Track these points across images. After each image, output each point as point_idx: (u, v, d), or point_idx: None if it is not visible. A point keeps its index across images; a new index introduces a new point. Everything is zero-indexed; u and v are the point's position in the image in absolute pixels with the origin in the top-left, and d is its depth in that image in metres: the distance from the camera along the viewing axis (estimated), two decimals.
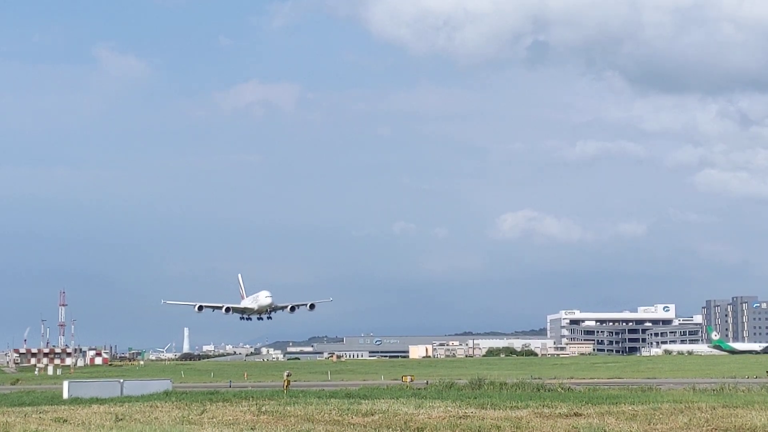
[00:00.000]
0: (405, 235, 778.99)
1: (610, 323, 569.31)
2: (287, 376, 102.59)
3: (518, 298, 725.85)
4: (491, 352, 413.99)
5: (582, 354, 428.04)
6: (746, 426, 54.13)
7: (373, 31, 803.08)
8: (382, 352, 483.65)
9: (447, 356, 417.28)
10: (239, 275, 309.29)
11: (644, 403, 68.69)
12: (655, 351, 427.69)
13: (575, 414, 62.07)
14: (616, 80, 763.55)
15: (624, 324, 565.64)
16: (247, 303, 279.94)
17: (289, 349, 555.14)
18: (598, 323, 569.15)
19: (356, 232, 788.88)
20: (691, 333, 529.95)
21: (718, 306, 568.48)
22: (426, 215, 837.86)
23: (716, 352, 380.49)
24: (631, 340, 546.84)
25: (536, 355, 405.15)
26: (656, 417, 59.49)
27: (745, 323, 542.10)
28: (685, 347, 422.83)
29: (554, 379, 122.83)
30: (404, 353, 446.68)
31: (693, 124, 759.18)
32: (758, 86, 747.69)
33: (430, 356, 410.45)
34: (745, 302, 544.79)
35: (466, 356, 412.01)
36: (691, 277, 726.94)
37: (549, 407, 66.35)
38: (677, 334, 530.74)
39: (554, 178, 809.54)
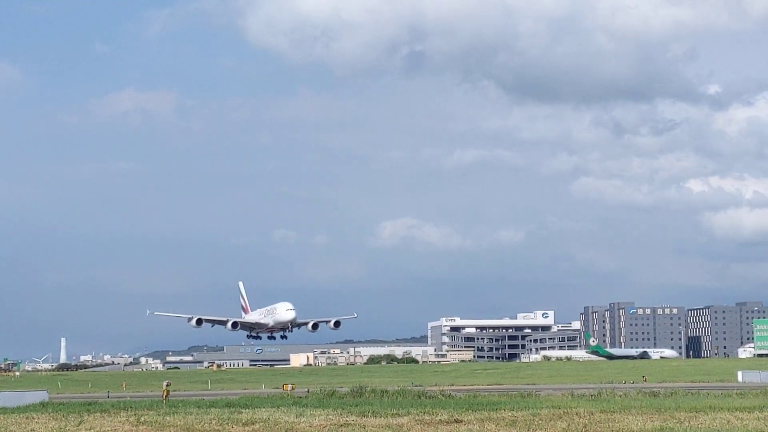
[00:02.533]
0: (285, 243, 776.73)
1: (490, 330, 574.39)
2: (167, 385, 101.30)
3: (399, 305, 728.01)
4: (372, 360, 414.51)
5: (462, 361, 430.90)
6: (623, 430, 54.93)
7: (250, 40, 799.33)
8: (263, 360, 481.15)
9: (328, 364, 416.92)
10: (240, 284, 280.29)
11: (524, 409, 69.24)
12: (535, 357, 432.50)
13: (456, 420, 62.32)
14: (492, 90, 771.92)
15: (504, 331, 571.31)
16: (257, 317, 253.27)
17: (169, 359, 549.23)
18: (478, 330, 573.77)
19: (236, 240, 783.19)
20: (569, 339, 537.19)
21: (595, 312, 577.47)
22: (306, 223, 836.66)
23: (594, 357, 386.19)
24: (510, 346, 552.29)
25: (417, 362, 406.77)
26: (535, 423, 60.00)
27: (622, 329, 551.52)
28: (564, 353, 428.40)
29: (435, 386, 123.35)
30: (285, 361, 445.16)
31: (568, 133, 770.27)
32: (631, 95, 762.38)
33: (311, 364, 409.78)
34: (622, 308, 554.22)
35: (348, 364, 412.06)
36: (569, 284, 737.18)
37: (430, 414, 66.51)
38: (556, 340, 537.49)
39: (433, 186, 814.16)
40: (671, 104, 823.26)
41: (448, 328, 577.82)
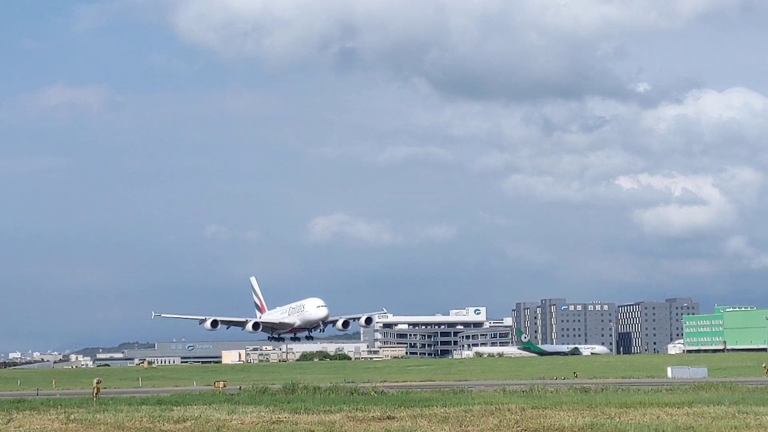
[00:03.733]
0: (217, 239, 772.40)
1: (423, 326, 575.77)
2: (97, 383, 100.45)
3: (331, 302, 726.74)
4: (305, 357, 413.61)
5: (395, 357, 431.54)
6: (554, 426, 55.18)
7: (180, 35, 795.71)
8: (194, 357, 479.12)
9: (260, 361, 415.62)
10: (252, 279, 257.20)
11: (456, 406, 69.39)
12: (467, 353, 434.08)
13: (388, 417, 62.30)
14: (423, 86, 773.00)
15: (436, 327, 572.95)
16: (279, 316, 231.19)
17: (99, 356, 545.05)
18: (411, 326, 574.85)
19: (167, 236, 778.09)
20: (501, 335, 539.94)
21: (527, 308, 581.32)
22: (238, 219, 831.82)
23: (526, 353, 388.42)
24: (443, 342, 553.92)
25: (350, 358, 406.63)
26: (467, 419, 60.14)
27: (554, 325, 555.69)
28: (496, 349, 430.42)
29: (367, 382, 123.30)
30: (217, 358, 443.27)
31: (499, 130, 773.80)
32: (561, 93, 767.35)
33: (243, 361, 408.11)
34: (553, 305, 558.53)
35: (280, 361, 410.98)
36: (501, 280, 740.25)
37: (362, 411, 66.46)
38: (488, 337, 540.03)
39: (365, 183, 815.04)
40: (601, 102, 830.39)
41: (381, 325, 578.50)
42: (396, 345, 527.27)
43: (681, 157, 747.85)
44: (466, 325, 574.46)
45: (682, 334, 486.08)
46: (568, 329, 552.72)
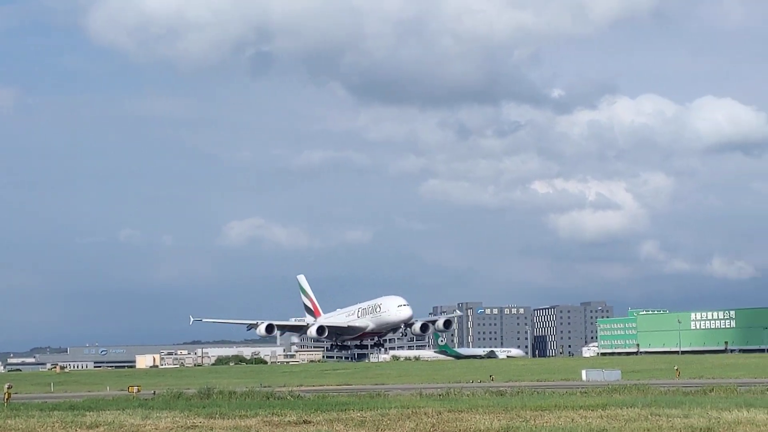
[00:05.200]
0: (131, 242, 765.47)
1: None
2: (8, 388, 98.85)
3: (248, 305, 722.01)
4: (220, 361, 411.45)
5: (312, 361, 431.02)
6: (470, 429, 55.34)
7: (93, 37, 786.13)
8: (108, 362, 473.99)
9: (175, 365, 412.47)
10: (301, 278, 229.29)
11: (372, 409, 69.33)
12: (384, 357, 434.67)
13: (304, 421, 62.12)
14: (339, 90, 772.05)
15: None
16: (346, 319, 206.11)
17: (10, 360, 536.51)
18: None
19: (81, 239, 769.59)
20: (418, 339, 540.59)
21: (444, 312, 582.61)
22: (153, 222, 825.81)
23: (442, 357, 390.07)
24: (359, 346, 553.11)
25: (266, 363, 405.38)
26: (384, 423, 60.11)
27: (471, 328, 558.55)
28: (413, 353, 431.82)
29: (284, 386, 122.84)
30: (131, 363, 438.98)
31: (415, 135, 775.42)
32: (476, 98, 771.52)
33: (157, 365, 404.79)
34: (470, 308, 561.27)
35: (195, 365, 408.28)
36: (418, 284, 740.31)
37: (278, 415, 66.17)
38: (405, 340, 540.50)
39: (282, 187, 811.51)
40: (516, 107, 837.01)
41: None
42: (312, 349, 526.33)
43: (595, 162, 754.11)
44: None
45: (596, 337, 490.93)
46: (484, 332, 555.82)
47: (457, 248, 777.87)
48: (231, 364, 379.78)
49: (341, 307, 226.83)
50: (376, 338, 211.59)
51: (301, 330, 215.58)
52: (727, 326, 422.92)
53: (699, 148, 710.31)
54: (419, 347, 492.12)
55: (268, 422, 62.12)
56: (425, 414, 64.56)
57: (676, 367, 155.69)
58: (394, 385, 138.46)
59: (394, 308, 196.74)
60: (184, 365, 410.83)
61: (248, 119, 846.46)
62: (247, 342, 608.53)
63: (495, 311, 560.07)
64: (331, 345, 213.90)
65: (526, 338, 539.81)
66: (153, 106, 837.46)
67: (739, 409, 62.34)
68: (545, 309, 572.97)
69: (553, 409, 66.48)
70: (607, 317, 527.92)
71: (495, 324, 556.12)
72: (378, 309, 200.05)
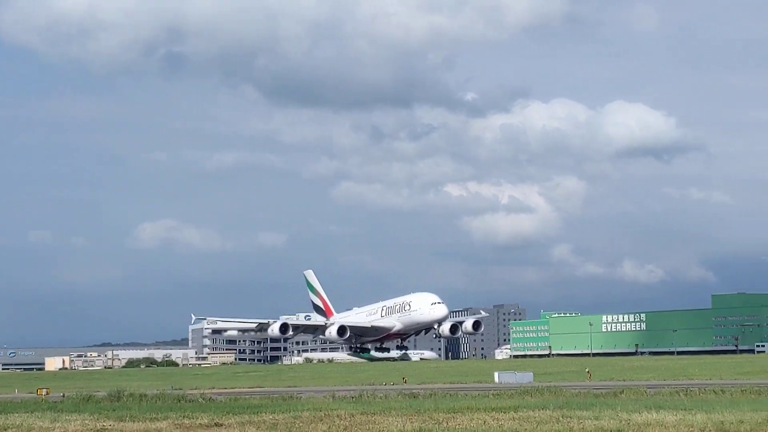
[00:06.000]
0: (41, 244, 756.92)
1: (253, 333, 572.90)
2: None
3: (160, 308, 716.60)
4: (131, 363, 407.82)
5: (224, 363, 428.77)
6: None
7: (3, 37, 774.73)
8: (16, 364, 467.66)
9: (85, 368, 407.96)
10: (309, 273, 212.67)
11: (285, 412, 69.00)
12: (297, 359, 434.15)
13: (216, 424, 61.68)
14: (253, 92, 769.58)
15: None
16: (369, 319, 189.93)
17: None
18: (241, 333, 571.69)
19: None
20: (332, 341, 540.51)
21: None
22: (63, 224, 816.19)
23: (356, 359, 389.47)
24: (273, 349, 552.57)
25: (178, 365, 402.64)
26: (296, 426, 59.86)
27: None
28: (326, 355, 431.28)
29: (195, 389, 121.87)
30: (40, 365, 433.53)
31: (329, 137, 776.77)
32: (390, 101, 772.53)
33: (67, 368, 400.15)
34: None
35: (105, 367, 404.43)
36: (332, 287, 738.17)
37: (189, 418, 65.59)
38: (318, 343, 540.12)
39: (195, 189, 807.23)
40: (429, 110, 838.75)
41: (210, 331, 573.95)
42: (225, 351, 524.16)
43: (508, 166, 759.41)
44: None
45: (509, 340, 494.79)
46: None
47: (371, 251, 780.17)
48: (142, 366, 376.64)
49: (359, 306, 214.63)
50: (398, 340, 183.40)
51: (317, 330, 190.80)
52: (637, 329, 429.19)
53: (611, 152, 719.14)
54: (333, 350, 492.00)
55: (179, 425, 61.58)
56: (338, 417, 64.39)
57: (587, 370, 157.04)
58: (307, 387, 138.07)
59: (426, 306, 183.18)
60: (94, 367, 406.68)
61: (161, 121, 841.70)
62: (158, 344, 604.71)
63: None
64: (350, 347, 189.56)
65: (440, 340, 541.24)
66: (64, 107, 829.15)
67: (648, 411, 62.97)
68: (458, 311, 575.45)
69: (465, 412, 66.64)
70: (520, 320, 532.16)
71: None
72: (407, 307, 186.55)
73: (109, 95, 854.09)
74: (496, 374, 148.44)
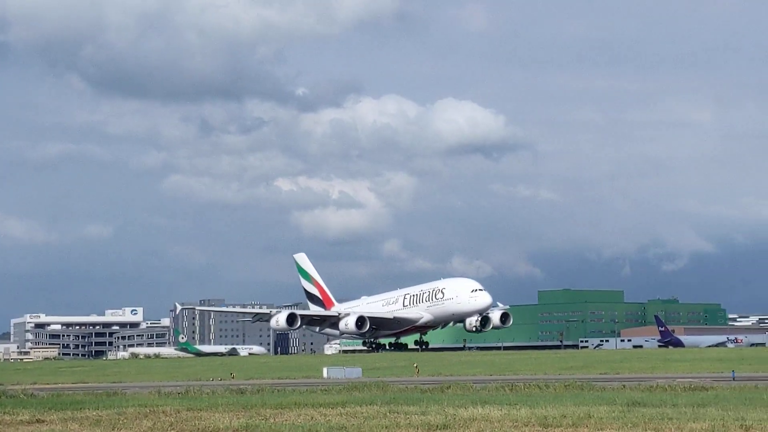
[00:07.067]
0: None
1: (77, 327, 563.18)
2: None
3: None
4: None
5: (47, 358, 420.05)
6: (210, 428, 54.75)
7: None
8: None
9: None
10: (301, 256, 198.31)
11: (109, 408, 67.76)
12: (122, 354, 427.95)
13: (38, 420, 60.28)
14: (78, 82, 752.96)
15: (91, 327, 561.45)
16: (389, 309, 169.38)
17: None
18: (65, 327, 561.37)
19: None
20: (158, 336, 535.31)
21: (186, 309, 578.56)
22: None
23: (183, 354, 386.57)
24: (98, 343, 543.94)
25: None
26: (121, 422, 58.84)
27: (212, 326, 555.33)
28: (153, 350, 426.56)
29: (17, 384, 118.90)
30: None
31: (156, 129, 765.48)
32: (220, 94, 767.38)
33: None
34: (212, 305, 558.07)
35: None
36: (159, 280, 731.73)
37: (10, 414, 63.89)
38: (144, 337, 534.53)
39: (18, 180, 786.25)
40: (260, 104, 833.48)
41: (33, 325, 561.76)
42: (48, 346, 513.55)
43: (339, 161, 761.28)
44: (122, 325, 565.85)
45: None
46: (226, 330, 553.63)
47: (200, 244, 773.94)
48: None
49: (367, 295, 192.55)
50: (418, 334, 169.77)
51: (325, 322, 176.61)
52: None
53: (441, 149, 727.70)
54: (160, 345, 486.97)
55: None
56: (163, 413, 63.50)
57: (415, 365, 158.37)
58: (133, 383, 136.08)
59: (465, 294, 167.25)
60: None
61: None
62: None
63: (238, 308, 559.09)
64: (363, 342, 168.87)
65: (269, 335, 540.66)
66: None
67: (474, 405, 63.66)
68: (288, 306, 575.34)
69: (293, 407, 66.41)
70: None
71: (237, 321, 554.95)
72: (439, 295, 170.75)
73: None
74: (324, 369, 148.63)
